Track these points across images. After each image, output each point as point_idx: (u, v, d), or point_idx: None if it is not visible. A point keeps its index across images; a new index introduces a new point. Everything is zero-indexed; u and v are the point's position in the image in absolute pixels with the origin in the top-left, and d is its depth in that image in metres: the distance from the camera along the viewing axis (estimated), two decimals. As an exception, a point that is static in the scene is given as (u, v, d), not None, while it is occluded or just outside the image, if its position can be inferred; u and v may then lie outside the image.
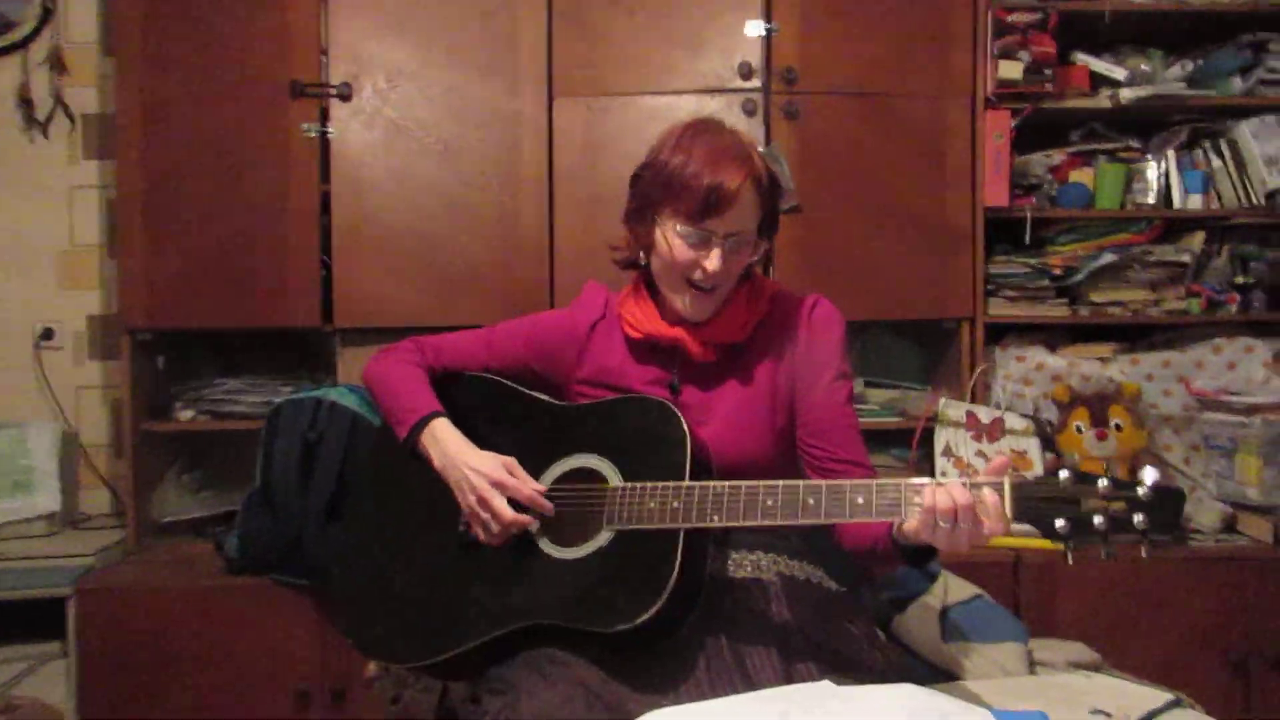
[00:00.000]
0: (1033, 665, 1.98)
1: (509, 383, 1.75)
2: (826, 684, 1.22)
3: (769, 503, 1.42)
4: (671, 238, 1.59)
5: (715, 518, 1.44)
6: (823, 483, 1.41)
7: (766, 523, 1.42)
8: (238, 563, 2.46)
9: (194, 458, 2.96)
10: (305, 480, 2.40)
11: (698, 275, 1.58)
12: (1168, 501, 1.30)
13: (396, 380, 1.73)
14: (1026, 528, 1.34)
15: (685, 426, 1.52)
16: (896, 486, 1.36)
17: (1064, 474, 1.31)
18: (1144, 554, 1.30)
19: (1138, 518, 1.28)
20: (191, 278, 2.65)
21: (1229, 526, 2.71)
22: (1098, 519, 1.30)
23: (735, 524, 1.44)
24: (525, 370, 1.77)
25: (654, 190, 1.62)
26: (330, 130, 2.66)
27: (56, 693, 2.47)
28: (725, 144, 1.59)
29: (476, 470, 1.58)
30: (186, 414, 2.76)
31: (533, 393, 1.73)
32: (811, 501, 1.40)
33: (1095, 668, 1.98)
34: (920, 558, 1.45)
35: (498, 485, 1.56)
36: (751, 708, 1.18)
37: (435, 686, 1.78)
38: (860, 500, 1.37)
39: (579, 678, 1.41)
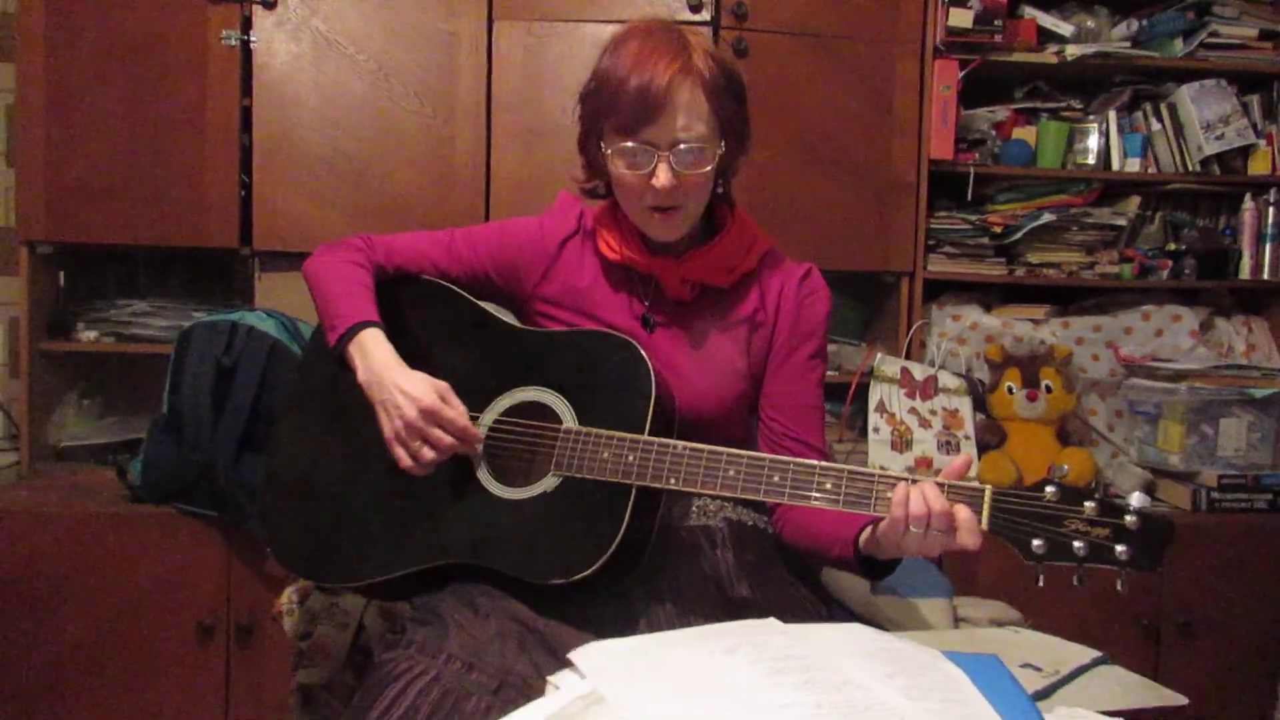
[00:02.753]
0: (957, 621, 1.97)
1: (466, 294, 1.59)
2: (773, 621, 1.17)
3: (731, 472, 1.32)
4: (615, 159, 1.43)
5: (672, 480, 1.34)
6: (790, 460, 1.32)
7: (725, 493, 1.34)
8: (140, 490, 2.34)
9: (98, 382, 2.82)
10: (217, 407, 2.29)
11: (649, 198, 1.43)
12: (1155, 534, 1.19)
13: (334, 280, 1.54)
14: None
15: (653, 375, 1.40)
16: (868, 477, 1.27)
17: (1050, 489, 1.22)
18: (1119, 587, 1.20)
19: (1120, 548, 1.19)
20: (98, 190, 2.50)
21: (1148, 492, 2.73)
22: (1078, 544, 1.20)
23: (692, 490, 1.35)
24: (484, 280, 1.60)
25: (593, 107, 1.46)
26: (253, 39, 2.51)
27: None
28: (655, 41, 1.41)
29: (406, 393, 1.40)
30: (89, 334, 2.62)
31: (491, 309, 1.59)
32: (776, 479, 1.30)
33: (1017, 626, 1.98)
34: (880, 571, 1.37)
35: (428, 412, 1.40)
36: (697, 641, 1.13)
37: (350, 622, 1.69)
38: (829, 485, 1.29)
39: (513, 613, 1.33)
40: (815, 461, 1.31)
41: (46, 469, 2.60)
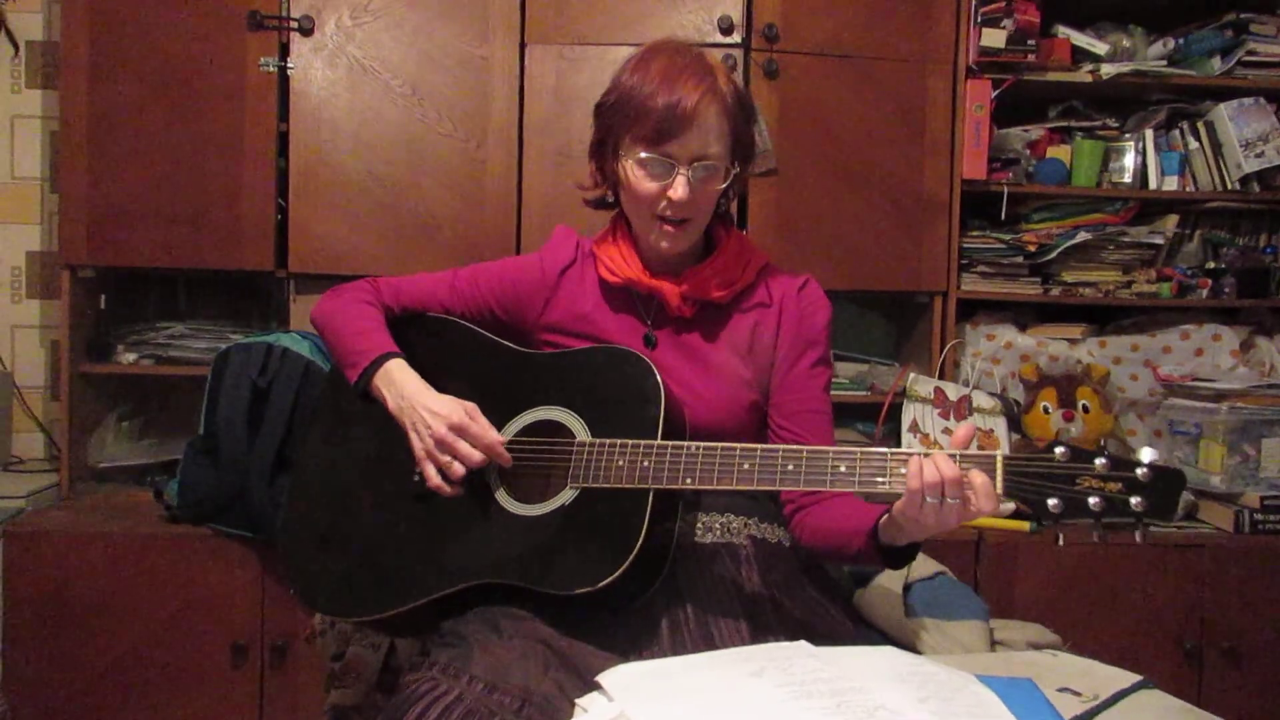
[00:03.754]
0: (993, 644, 1.94)
1: (471, 326, 1.65)
2: (803, 644, 1.16)
3: (745, 466, 1.34)
4: (633, 168, 1.49)
5: (688, 480, 1.36)
6: (803, 447, 1.34)
7: (742, 487, 1.35)
8: (177, 511, 2.37)
9: (137, 404, 2.85)
10: (253, 429, 2.31)
11: (663, 206, 1.49)
12: (1167, 484, 1.21)
13: (348, 320, 1.61)
14: (1010, 506, 1.27)
15: (661, 382, 1.43)
16: (881, 455, 1.29)
17: (1059, 450, 1.23)
18: (1138, 539, 1.23)
19: (1135, 500, 1.20)
20: (138, 214, 2.53)
21: (1189, 514, 2.70)
22: (1093, 500, 1.21)
23: (708, 487, 1.37)
24: (489, 315, 1.66)
25: (613, 118, 1.52)
26: (290, 66, 2.55)
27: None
28: (684, 61, 1.48)
29: (435, 413, 1.46)
30: (129, 357, 2.65)
31: (496, 338, 1.63)
32: (791, 467, 1.32)
33: (1055, 649, 1.95)
34: (900, 558, 1.39)
35: (457, 429, 1.45)
36: (725, 664, 1.12)
37: (381, 643, 1.70)
38: (843, 468, 1.30)
39: (536, 634, 1.34)
40: (828, 448, 1.33)
41: (85, 490, 2.63)
